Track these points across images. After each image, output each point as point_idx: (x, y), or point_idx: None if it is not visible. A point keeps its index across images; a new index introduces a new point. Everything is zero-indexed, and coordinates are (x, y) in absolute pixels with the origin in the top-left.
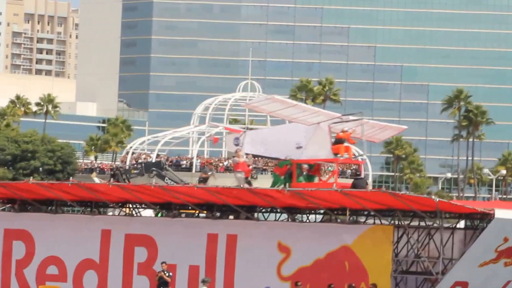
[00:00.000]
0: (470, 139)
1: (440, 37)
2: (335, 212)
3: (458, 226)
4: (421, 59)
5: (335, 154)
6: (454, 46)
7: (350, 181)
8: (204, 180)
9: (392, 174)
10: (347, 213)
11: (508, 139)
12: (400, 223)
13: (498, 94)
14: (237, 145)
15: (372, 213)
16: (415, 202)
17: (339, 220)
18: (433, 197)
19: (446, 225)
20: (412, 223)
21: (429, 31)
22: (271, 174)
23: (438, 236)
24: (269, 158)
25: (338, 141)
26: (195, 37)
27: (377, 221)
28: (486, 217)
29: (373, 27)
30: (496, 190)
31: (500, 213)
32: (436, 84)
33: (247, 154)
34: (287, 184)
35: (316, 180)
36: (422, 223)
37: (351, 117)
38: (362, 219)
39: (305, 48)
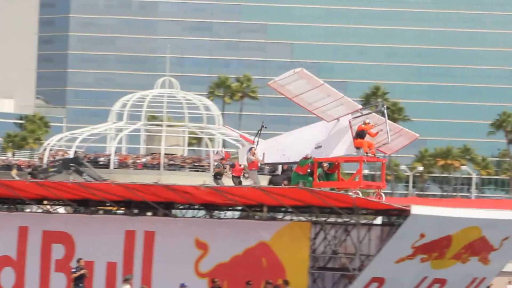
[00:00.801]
0: None
1: (357, 34)
2: (253, 209)
3: (375, 222)
4: (338, 56)
5: (358, 148)
6: (371, 43)
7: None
8: (218, 175)
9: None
10: (265, 209)
11: (425, 136)
12: (317, 219)
13: (415, 91)
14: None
15: (289, 209)
16: (332, 199)
17: (256, 217)
18: (349, 193)
19: (363, 221)
20: (329, 220)
21: (346, 28)
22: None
23: (355, 232)
24: (288, 163)
25: (360, 133)
26: (113, 33)
27: (295, 218)
28: (403, 214)
29: (291, 24)
30: (413, 187)
31: (416, 210)
32: (353, 81)
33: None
34: (308, 183)
35: (335, 178)
36: (339, 220)
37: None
38: (280, 215)
39: (223, 44)
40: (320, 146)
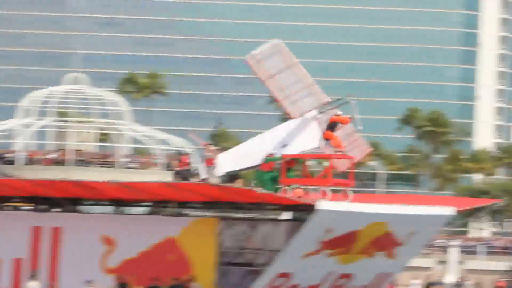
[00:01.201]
0: None
1: (266, 31)
2: (161, 205)
3: (282, 217)
4: (247, 52)
5: (326, 140)
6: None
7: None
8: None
9: None
10: (173, 205)
11: None
12: (225, 215)
13: (322, 86)
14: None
15: (197, 205)
16: (239, 194)
17: (164, 213)
18: (256, 189)
19: (270, 216)
20: (237, 215)
21: (255, 25)
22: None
23: (262, 227)
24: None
25: (331, 125)
26: (22, 29)
27: (202, 213)
28: (309, 209)
29: (200, 20)
30: None
31: (323, 205)
32: None
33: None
34: (267, 181)
35: (293, 174)
36: (247, 215)
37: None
38: (188, 211)
39: (134, 40)
40: (286, 144)
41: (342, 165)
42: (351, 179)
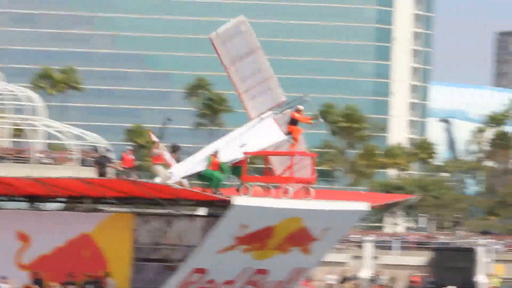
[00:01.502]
0: (211, 127)
1: (182, 26)
2: (76, 200)
3: (197, 213)
4: (162, 47)
5: (289, 133)
6: (195, 34)
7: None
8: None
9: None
10: (88, 201)
11: None
12: (140, 211)
13: None
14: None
15: (112, 201)
16: (155, 190)
17: (80, 208)
18: (172, 184)
19: (186, 212)
20: (153, 211)
21: (170, 20)
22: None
23: (178, 223)
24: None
25: (293, 121)
26: None
27: (118, 209)
28: (225, 204)
29: (116, 15)
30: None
31: (238, 200)
32: (178, 73)
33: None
34: (215, 178)
35: (240, 171)
36: (163, 211)
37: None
38: (103, 207)
39: (48, 36)
40: (245, 144)
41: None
42: (314, 176)
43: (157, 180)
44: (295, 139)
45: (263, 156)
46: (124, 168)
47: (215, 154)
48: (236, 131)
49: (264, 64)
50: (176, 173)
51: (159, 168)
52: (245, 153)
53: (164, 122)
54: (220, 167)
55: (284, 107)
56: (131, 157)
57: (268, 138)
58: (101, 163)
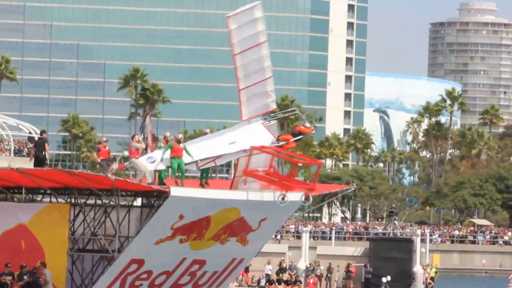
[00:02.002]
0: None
1: (116, 16)
2: (12, 191)
3: (134, 204)
4: (97, 37)
5: (279, 141)
6: (130, 24)
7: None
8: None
9: (69, 152)
10: (23, 191)
11: (184, 117)
12: (76, 201)
13: (175, 72)
14: (152, 162)
15: (48, 191)
16: (91, 180)
17: (15, 199)
18: (108, 175)
19: (122, 203)
20: (89, 201)
21: (105, 10)
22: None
23: (114, 214)
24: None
25: (295, 133)
26: None
27: (54, 200)
28: (162, 195)
29: (49, 5)
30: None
31: (176, 191)
32: (113, 63)
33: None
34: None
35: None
36: (99, 201)
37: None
38: (39, 197)
39: None
40: (234, 142)
41: None
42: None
43: (138, 174)
44: (284, 147)
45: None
46: (101, 159)
47: (177, 140)
48: (225, 129)
49: (266, 61)
50: (156, 158)
51: (137, 162)
52: (252, 147)
53: (144, 115)
54: (183, 152)
55: (273, 117)
56: (107, 148)
57: (258, 140)
58: (39, 144)
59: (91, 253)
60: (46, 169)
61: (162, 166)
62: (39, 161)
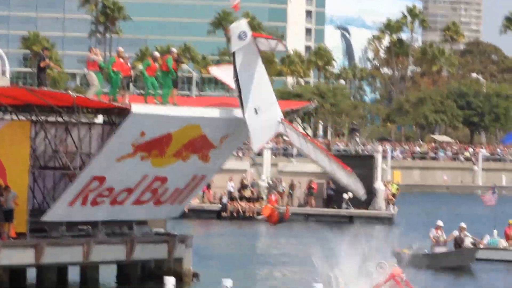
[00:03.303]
0: (108, 35)
1: None
2: None
3: (95, 121)
4: None
5: None
6: None
7: None
8: None
9: (30, 70)
10: None
11: (145, 35)
12: (37, 118)
13: None
14: (242, 39)
15: (9, 109)
16: (52, 98)
17: None
18: (69, 92)
19: (83, 120)
20: (50, 119)
21: None
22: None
23: (75, 131)
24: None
25: None
26: None
27: (15, 117)
28: (123, 112)
29: None
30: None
31: (137, 108)
32: None
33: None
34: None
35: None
36: (60, 119)
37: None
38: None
39: None
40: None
41: None
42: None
43: (90, 87)
44: None
45: None
46: (123, 76)
47: (154, 58)
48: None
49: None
50: None
51: (93, 75)
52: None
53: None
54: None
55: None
56: (129, 65)
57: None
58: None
59: (52, 170)
60: (7, 87)
61: None
62: None
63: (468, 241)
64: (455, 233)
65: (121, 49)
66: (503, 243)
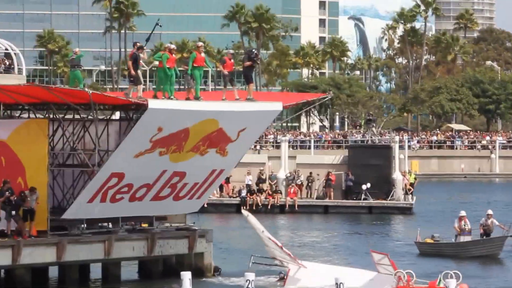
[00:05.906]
0: (122, 31)
1: None
2: None
3: (113, 117)
4: None
5: None
6: None
7: None
8: None
9: (46, 68)
10: (1, 108)
11: (160, 30)
12: (54, 116)
13: None
14: None
15: (26, 107)
16: (68, 95)
17: None
18: (86, 89)
19: (100, 117)
20: (67, 116)
21: None
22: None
23: (93, 128)
24: None
25: None
26: None
27: (32, 115)
28: (140, 108)
29: None
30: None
31: (154, 103)
32: None
33: None
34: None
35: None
36: (77, 116)
37: None
38: (17, 113)
39: None
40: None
41: None
42: None
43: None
44: None
45: None
46: (227, 72)
47: (199, 48)
48: None
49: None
50: None
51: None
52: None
53: (154, 26)
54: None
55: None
56: (232, 61)
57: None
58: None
59: (71, 168)
60: (24, 85)
61: None
62: None
63: (494, 228)
64: (482, 220)
65: (173, 46)
66: None
